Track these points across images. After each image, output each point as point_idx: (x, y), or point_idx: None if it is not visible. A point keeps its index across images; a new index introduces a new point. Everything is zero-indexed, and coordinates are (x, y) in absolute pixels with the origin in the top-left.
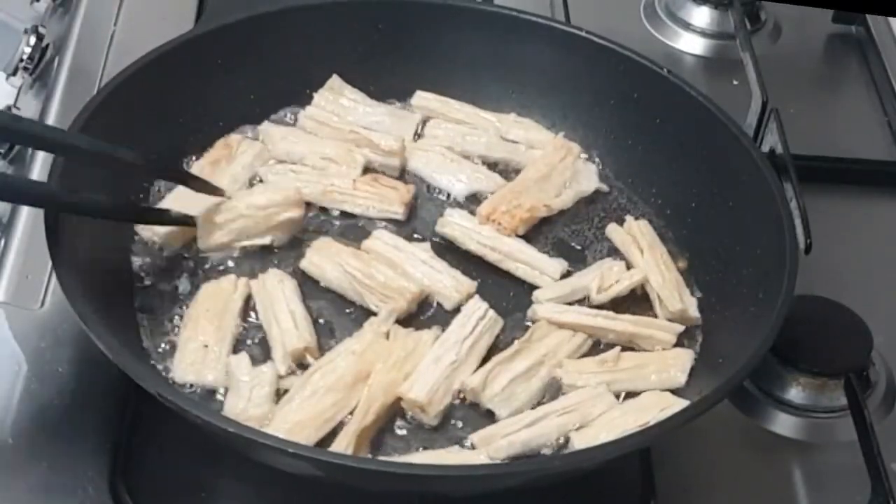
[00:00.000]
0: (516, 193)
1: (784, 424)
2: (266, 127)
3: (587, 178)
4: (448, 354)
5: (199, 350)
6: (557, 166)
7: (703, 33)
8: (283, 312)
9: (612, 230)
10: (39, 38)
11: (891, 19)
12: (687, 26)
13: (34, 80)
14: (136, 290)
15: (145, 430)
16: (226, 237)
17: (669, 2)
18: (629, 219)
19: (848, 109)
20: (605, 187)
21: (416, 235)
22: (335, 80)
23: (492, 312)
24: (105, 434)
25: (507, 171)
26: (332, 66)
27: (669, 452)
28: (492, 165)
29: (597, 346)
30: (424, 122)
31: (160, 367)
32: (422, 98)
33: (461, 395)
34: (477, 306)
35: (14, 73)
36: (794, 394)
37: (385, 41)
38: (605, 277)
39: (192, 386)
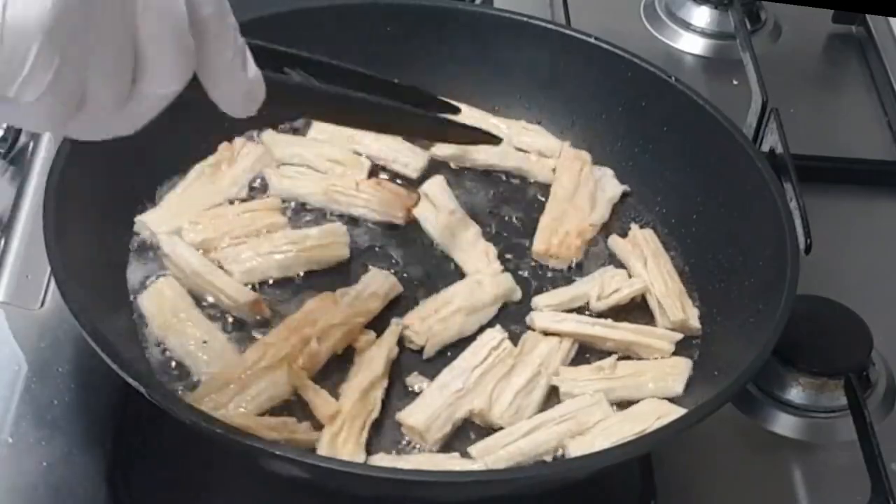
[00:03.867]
0: (557, 220)
1: (784, 424)
2: (270, 132)
3: (609, 184)
4: (455, 382)
5: (204, 348)
6: (579, 179)
7: (703, 33)
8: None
9: (614, 243)
10: None
11: (891, 19)
12: (687, 26)
13: None
14: (132, 289)
15: (145, 429)
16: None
17: (669, 1)
18: (634, 227)
19: (848, 109)
20: (627, 188)
21: (419, 241)
22: None
23: (507, 343)
24: (104, 433)
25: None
26: None
27: (669, 452)
28: (503, 173)
29: (587, 352)
30: None
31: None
32: None
33: (469, 420)
34: (492, 335)
35: None
36: (794, 394)
37: (394, 44)
38: (605, 285)
39: None
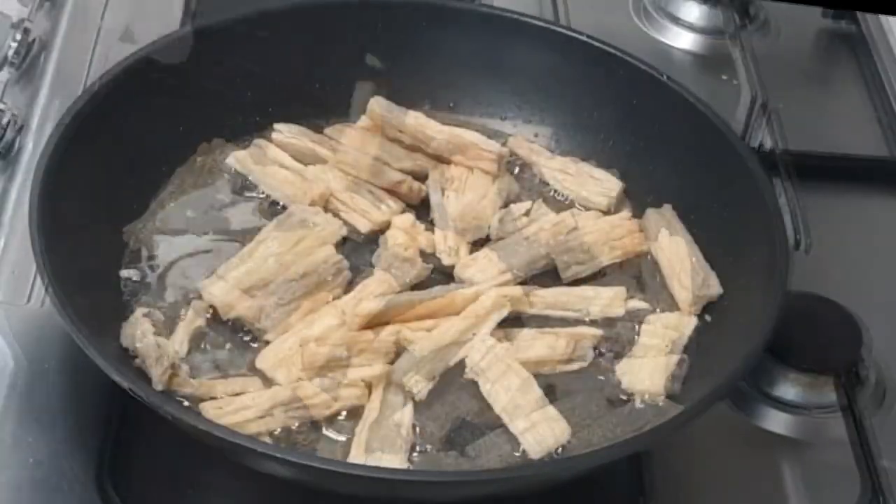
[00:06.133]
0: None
1: (776, 421)
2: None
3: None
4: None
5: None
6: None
7: (694, 29)
8: None
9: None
10: (26, 32)
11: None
12: (678, 22)
13: (21, 74)
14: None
15: (133, 427)
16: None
17: None
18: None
19: (840, 105)
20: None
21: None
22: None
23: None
24: (93, 431)
25: None
26: (328, 69)
27: (661, 448)
28: None
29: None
30: None
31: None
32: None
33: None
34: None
35: (0, 68)
36: (786, 390)
37: (386, 42)
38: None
39: None
